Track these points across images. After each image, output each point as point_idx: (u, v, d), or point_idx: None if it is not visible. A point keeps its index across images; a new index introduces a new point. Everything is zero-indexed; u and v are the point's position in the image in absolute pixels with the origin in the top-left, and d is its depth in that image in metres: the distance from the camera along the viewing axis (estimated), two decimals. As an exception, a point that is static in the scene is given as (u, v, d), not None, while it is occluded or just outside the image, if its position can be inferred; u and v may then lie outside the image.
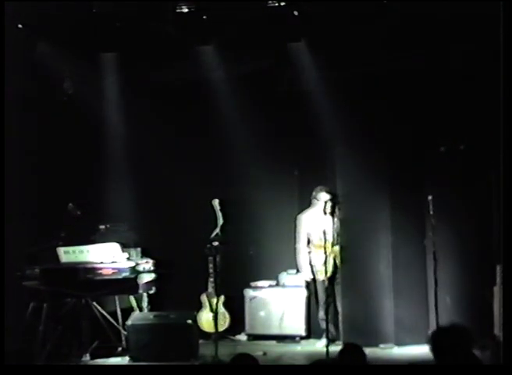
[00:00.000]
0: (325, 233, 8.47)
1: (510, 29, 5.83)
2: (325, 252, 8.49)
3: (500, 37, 6.01)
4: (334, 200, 8.93)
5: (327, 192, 8.92)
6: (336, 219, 8.92)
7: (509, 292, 5.79)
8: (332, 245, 8.80)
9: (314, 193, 8.99)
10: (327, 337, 8.34)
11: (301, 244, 8.99)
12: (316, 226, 8.88)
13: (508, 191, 5.84)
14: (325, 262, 8.65)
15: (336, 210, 8.93)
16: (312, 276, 8.95)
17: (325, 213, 8.93)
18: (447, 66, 8.57)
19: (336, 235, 8.86)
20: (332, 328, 8.67)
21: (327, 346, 8.01)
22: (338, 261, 8.84)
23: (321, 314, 8.88)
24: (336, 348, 7.85)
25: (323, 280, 8.83)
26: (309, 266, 8.93)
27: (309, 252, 8.91)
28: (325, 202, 8.93)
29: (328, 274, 8.79)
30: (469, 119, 8.43)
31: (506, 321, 5.94)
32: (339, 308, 8.81)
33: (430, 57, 8.67)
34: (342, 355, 4.88)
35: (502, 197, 6.60)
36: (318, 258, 8.78)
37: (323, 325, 8.77)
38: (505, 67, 5.88)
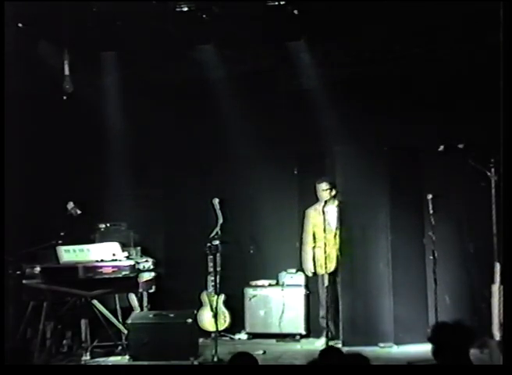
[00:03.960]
0: (328, 223, 8.64)
1: (510, 29, 5.83)
2: (326, 244, 8.59)
3: (500, 36, 6.01)
4: (334, 189, 8.91)
5: (326, 182, 8.91)
6: (337, 209, 8.89)
7: (509, 291, 5.80)
8: (335, 236, 8.80)
9: (316, 186, 8.99)
10: (326, 336, 8.39)
11: (308, 239, 9.00)
12: (320, 217, 8.90)
13: (508, 190, 5.84)
14: (327, 256, 8.70)
15: (337, 201, 8.90)
16: (314, 271, 8.96)
17: (325, 203, 8.87)
18: (447, 65, 8.58)
19: (338, 226, 8.84)
20: (332, 326, 8.70)
21: (326, 345, 8.10)
22: (338, 254, 8.81)
23: (322, 312, 8.89)
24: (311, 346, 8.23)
25: (322, 275, 8.84)
26: (312, 261, 8.94)
27: (313, 247, 8.94)
28: (324, 191, 8.89)
29: (331, 269, 8.78)
30: (468, 118, 8.44)
31: (506, 321, 5.94)
32: (340, 307, 8.81)
33: (430, 56, 8.68)
34: (322, 356, 4.84)
35: (502, 196, 6.61)
36: (322, 253, 8.80)
37: (323, 323, 8.79)
38: (505, 66, 5.89)
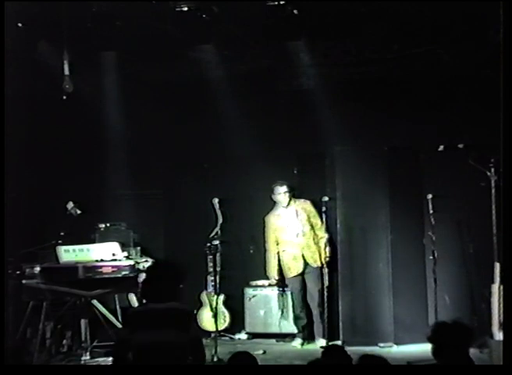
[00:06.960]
0: (288, 225, 8.83)
1: (510, 29, 5.83)
2: (293, 246, 8.76)
3: (500, 36, 6.01)
4: (291, 192, 8.95)
5: (282, 186, 8.94)
6: (300, 211, 8.92)
7: (509, 291, 5.79)
8: (297, 236, 8.86)
9: (273, 190, 9.00)
10: (302, 337, 8.78)
11: (271, 247, 9.01)
12: (281, 222, 8.95)
13: (508, 190, 5.84)
14: (295, 258, 8.79)
15: (300, 202, 8.94)
16: (278, 277, 9.02)
17: (286, 207, 8.95)
18: (447, 65, 8.58)
19: (303, 227, 8.87)
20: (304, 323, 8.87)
21: (301, 345, 8.59)
22: (309, 256, 8.82)
23: (298, 311, 8.96)
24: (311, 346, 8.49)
25: (295, 276, 8.89)
26: (276, 268, 8.98)
27: (278, 253, 8.95)
28: (281, 195, 8.93)
29: (299, 270, 8.84)
30: (468, 118, 8.44)
31: (506, 321, 5.94)
32: (340, 307, 8.81)
33: (430, 56, 8.68)
34: (324, 356, 4.85)
35: (502, 196, 6.61)
36: (288, 255, 8.84)
37: (302, 323, 8.88)
38: (505, 66, 5.89)
